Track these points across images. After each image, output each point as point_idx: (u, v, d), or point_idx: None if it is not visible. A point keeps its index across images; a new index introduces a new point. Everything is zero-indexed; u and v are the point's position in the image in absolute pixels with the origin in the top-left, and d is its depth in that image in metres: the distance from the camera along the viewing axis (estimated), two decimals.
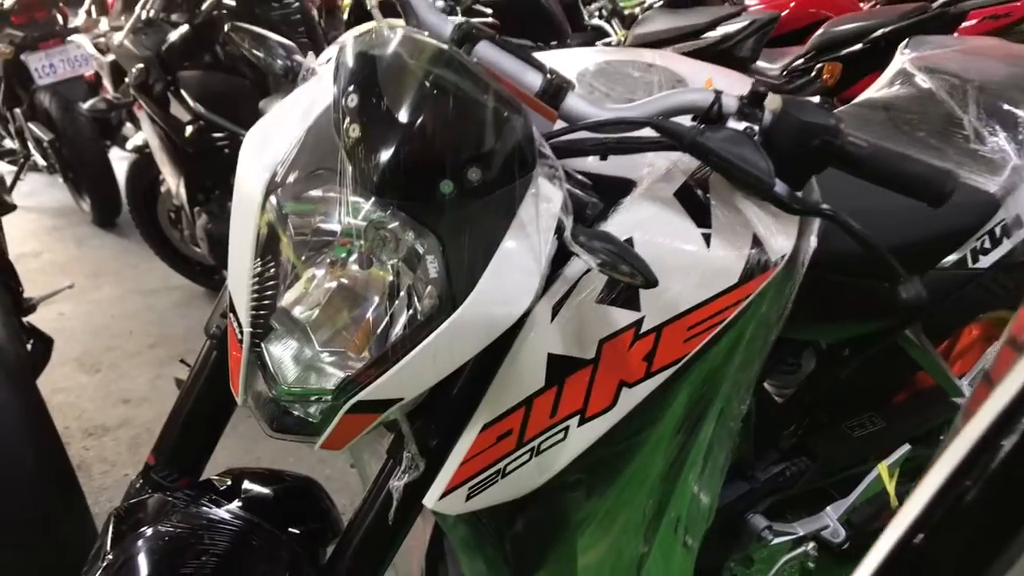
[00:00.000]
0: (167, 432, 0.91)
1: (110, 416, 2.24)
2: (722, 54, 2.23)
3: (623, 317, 0.77)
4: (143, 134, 2.73)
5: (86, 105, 3.09)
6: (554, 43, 2.52)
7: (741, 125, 0.76)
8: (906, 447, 1.33)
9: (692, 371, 0.84)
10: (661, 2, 3.10)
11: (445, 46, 0.66)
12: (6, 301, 1.54)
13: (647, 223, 0.76)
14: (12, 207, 1.64)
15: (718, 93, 0.76)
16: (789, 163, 0.75)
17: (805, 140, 0.74)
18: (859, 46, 2.52)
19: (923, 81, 1.31)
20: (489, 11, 2.63)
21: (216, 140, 2.39)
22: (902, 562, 0.40)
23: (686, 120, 0.77)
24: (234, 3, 2.24)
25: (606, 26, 3.16)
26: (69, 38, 3.58)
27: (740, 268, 0.78)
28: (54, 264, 3.44)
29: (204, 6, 2.27)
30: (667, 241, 0.77)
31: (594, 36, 3.18)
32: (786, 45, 3.02)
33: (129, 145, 2.92)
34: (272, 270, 0.70)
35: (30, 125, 3.78)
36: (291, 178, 0.68)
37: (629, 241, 0.75)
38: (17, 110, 3.87)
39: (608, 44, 2.81)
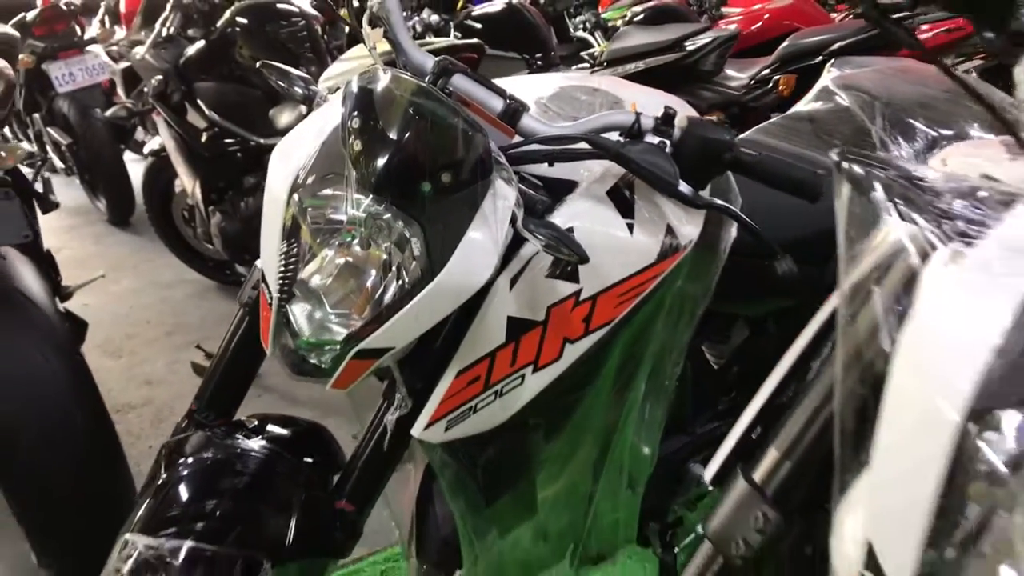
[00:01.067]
0: (207, 382, 1.13)
1: (134, 396, 2.46)
2: (689, 67, 2.45)
3: (566, 288, 0.99)
4: (160, 139, 2.96)
5: (108, 112, 3.32)
6: (539, 55, 2.74)
7: (657, 139, 0.98)
8: None
9: (623, 333, 1.06)
10: (640, 16, 3.33)
11: (423, 83, 0.88)
12: (48, 287, 1.76)
13: (584, 215, 0.99)
14: (56, 205, 1.86)
15: (638, 115, 0.98)
16: (693, 168, 0.98)
17: (706, 151, 0.97)
18: (818, 59, 2.75)
19: (841, 98, 1.53)
20: (479, 25, 2.86)
21: (229, 145, 2.61)
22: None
23: (615, 134, 0.99)
24: (246, 22, 2.46)
25: (590, 38, 3.38)
26: (87, 48, 3.80)
27: (656, 250, 1.00)
28: (74, 259, 3.66)
29: (219, 23, 2.49)
30: (600, 228, 0.99)
31: (579, 47, 3.40)
32: (760, 55, 3.25)
33: (146, 149, 3.15)
34: (295, 250, 0.92)
35: (48, 129, 4.00)
36: (309, 181, 0.90)
37: (570, 229, 0.97)
38: (36, 115, 4.09)
39: (591, 55, 3.02)
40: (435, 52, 1.91)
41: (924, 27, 3.24)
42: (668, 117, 0.98)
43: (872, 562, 0.50)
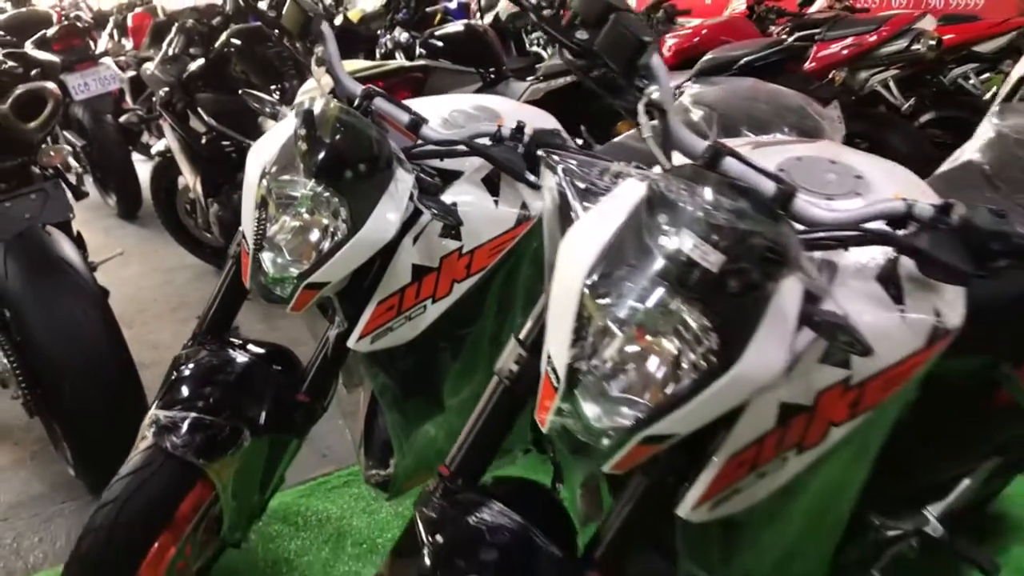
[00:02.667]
0: (206, 312, 1.59)
1: (144, 357, 2.91)
2: (607, 81, 2.91)
3: (452, 244, 1.44)
4: (166, 142, 3.41)
5: (122, 119, 3.78)
6: (492, 69, 3.19)
7: (513, 143, 1.44)
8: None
9: (494, 283, 1.52)
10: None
11: (346, 106, 1.34)
12: (82, 258, 2.21)
13: (464, 194, 1.44)
14: (86, 194, 2.32)
15: (500, 127, 1.44)
16: (535, 161, 1.43)
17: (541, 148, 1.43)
18: (731, 72, 3.21)
19: (695, 109, 1.98)
20: (441, 44, 3.31)
21: (225, 147, 3.07)
22: None
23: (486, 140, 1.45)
24: (240, 43, 2.92)
25: (543, 52, 3.83)
26: (99, 60, 4.26)
27: (514, 219, 1.46)
28: (88, 247, 4.12)
29: (216, 45, 2.95)
30: (475, 203, 1.45)
31: (534, 60, 3.86)
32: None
33: (153, 150, 3.61)
34: (264, 217, 1.37)
35: (65, 133, 4.46)
36: (273, 170, 1.36)
37: (454, 204, 1.43)
38: None
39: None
40: (386, 73, 2.38)
41: (831, 43, 3.70)
42: (520, 128, 1.43)
43: (550, 363, 0.94)
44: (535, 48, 3.95)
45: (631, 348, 0.90)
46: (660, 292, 0.88)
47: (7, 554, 1.96)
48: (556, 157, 1.04)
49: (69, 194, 2.10)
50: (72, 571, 1.41)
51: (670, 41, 4.26)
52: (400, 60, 3.19)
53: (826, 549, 1.29)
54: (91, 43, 4.36)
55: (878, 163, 1.26)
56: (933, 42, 3.73)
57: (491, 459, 1.24)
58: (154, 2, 4.59)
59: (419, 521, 1.11)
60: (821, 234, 0.99)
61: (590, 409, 0.93)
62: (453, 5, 5.40)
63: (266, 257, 1.38)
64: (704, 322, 0.87)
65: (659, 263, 0.88)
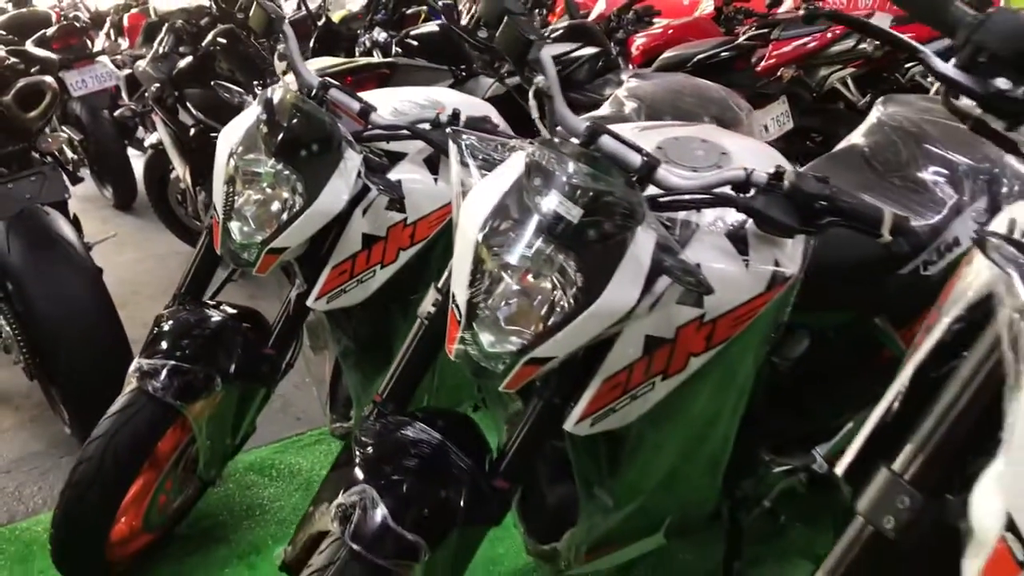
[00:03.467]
0: (185, 276, 1.82)
1: (136, 334, 3.09)
2: (566, 77, 3.12)
3: (397, 216, 1.67)
4: (158, 135, 3.63)
5: (116, 113, 4.00)
6: (463, 66, 3.40)
7: (449, 129, 1.66)
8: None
9: (435, 251, 1.74)
10: (558, 33, 4.01)
11: (302, 95, 1.56)
12: (78, 237, 2.42)
13: (407, 172, 1.66)
14: (81, 179, 2.54)
15: (437, 114, 1.66)
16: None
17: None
18: (687, 69, 3.43)
19: (628, 102, 2.20)
20: (416, 43, 3.53)
21: (212, 139, 3.27)
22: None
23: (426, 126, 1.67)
24: (224, 42, 3.14)
25: None
26: (96, 59, 4.48)
27: (450, 196, 1.67)
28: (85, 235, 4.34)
29: (203, 44, 3.17)
30: (416, 179, 1.66)
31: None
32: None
33: (146, 143, 3.83)
34: (232, 191, 1.59)
35: (63, 127, 4.68)
36: (240, 151, 1.58)
37: (398, 180, 1.65)
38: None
39: None
40: (354, 69, 2.60)
41: (785, 42, 3.92)
42: (455, 115, 1.65)
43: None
44: None
45: (517, 288, 1.11)
46: (537, 241, 1.09)
47: (10, 500, 2.18)
48: (464, 136, 1.27)
49: (65, 177, 2.32)
50: (66, 497, 1.63)
51: (639, 40, 4.48)
52: (376, 58, 3.41)
53: (711, 477, 1.51)
54: (88, 42, 4.58)
55: (747, 143, 1.49)
56: (879, 42, 3.96)
57: (416, 386, 1.46)
58: (148, 3, 4.80)
59: (354, 439, 1.33)
60: (677, 197, 1.21)
61: (486, 338, 1.14)
62: (439, 3, 5.63)
63: (234, 226, 1.60)
64: (572, 265, 1.08)
65: (536, 218, 1.10)
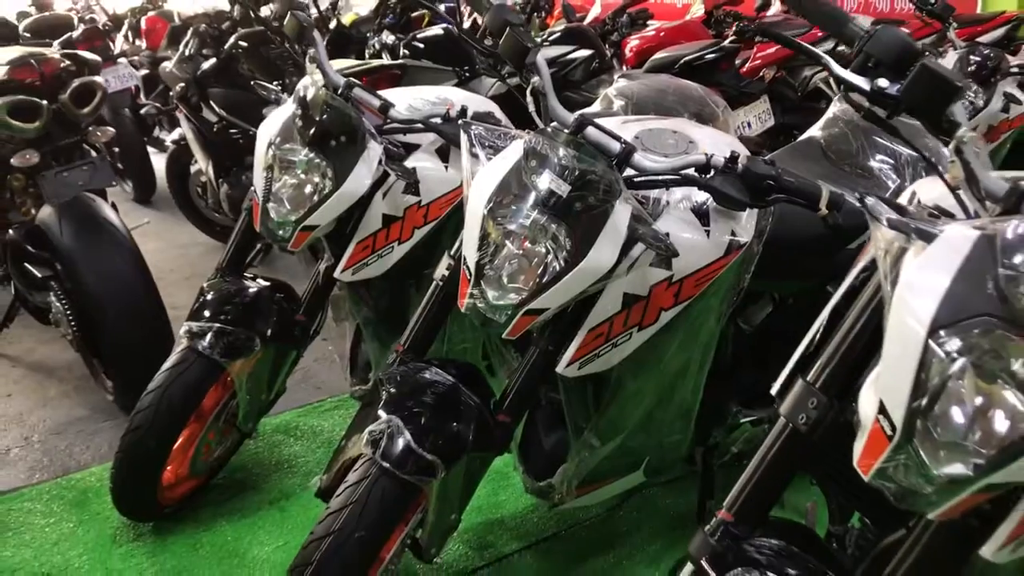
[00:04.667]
0: (227, 251, 2.07)
1: None
2: (562, 78, 3.38)
3: (413, 199, 1.90)
4: (180, 131, 3.88)
5: (142, 111, 4.25)
6: (466, 67, 3.65)
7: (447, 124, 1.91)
8: None
9: (447, 231, 1.99)
10: (556, 36, 4.26)
11: (332, 93, 1.80)
12: (119, 219, 2.66)
13: (422, 161, 1.91)
14: (121, 169, 2.78)
15: (448, 110, 1.90)
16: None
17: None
18: (674, 70, 3.67)
19: (617, 99, 2.44)
20: (422, 46, 3.77)
21: (233, 135, 3.54)
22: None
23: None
24: (246, 44, 3.39)
25: None
26: (118, 60, 4.73)
27: (459, 181, 1.93)
28: None
29: (226, 46, 3.42)
30: (430, 167, 1.91)
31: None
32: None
33: (169, 139, 4.08)
34: (271, 176, 1.84)
35: None
36: (278, 140, 1.83)
37: (413, 168, 1.90)
38: None
39: None
40: (369, 70, 2.85)
41: (769, 45, 4.16)
42: (463, 111, 1.90)
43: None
44: None
45: (517, 251, 1.36)
46: (534, 213, 1.34)
47: (63, 457, 2.43)
48: (473, 127, 1.52)
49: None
50: (126, 441, 1.88)
51: (632, 43, 4.73)
52: (386, 59, 3.65)
53: (684, 422, 1.76)
54: (111, 44, 4.83)
55: (712, 134, 1.74)
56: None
57: (432, 338, 1.72)
58: (168, 7, 5.05)
59: (379, 381, 1.59)
60: (650, 178, 1.46)
61: (491, 294, 1.38)
62: (442, 8, 5.88)
63: (271, 207, 1.85)
64: (562, 232, 1.33)
65: (532, 194, 1.36)
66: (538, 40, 4.40)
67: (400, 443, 1.44)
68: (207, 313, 1.93)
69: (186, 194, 4.17)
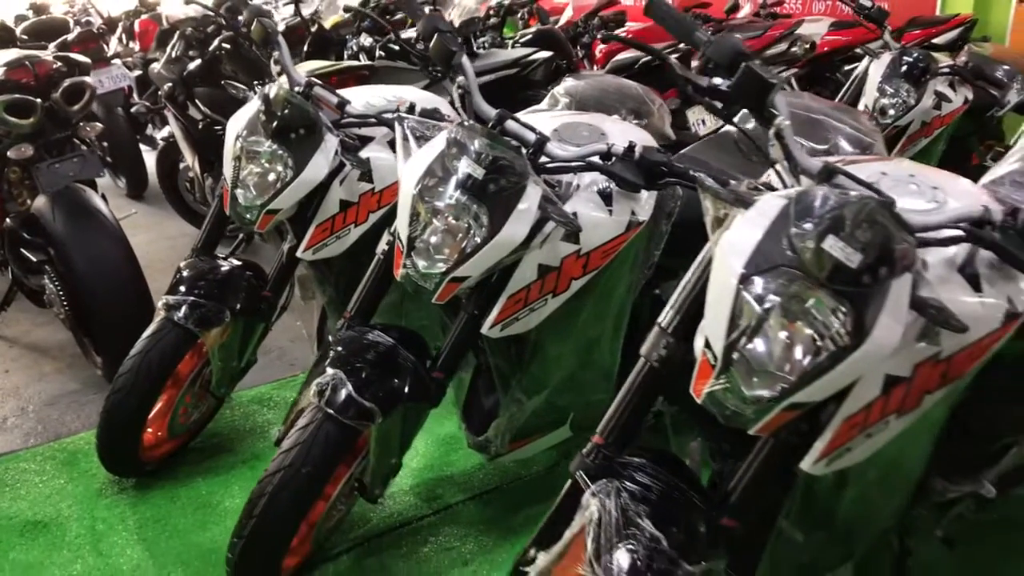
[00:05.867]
0: (200, 235, 2.30)
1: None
2: (523, 78, 3.61)
3: (367, 186, 2.13)
4: (169, 129, 4.11)
5: (132, 109, 4.48)
6: (438, 68, 3.87)
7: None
8: None
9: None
10: (527, 38, 4.49)
11: (292, 92, 2.03)
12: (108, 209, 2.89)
13: (375, 152, 2.14)
14: (108, 162, 3.00)
15: (399, 107, 2.13)
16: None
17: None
18: (628, 72, 3.90)
19: (562, 98, 2.67)
20: (398, 48, 4.00)
21: (218, 131, 3.75)
22: None
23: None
24: (229, 47, 3.61)
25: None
26: (112, 61, 4.95)
27: None
28: None
29: (210, 48, 3.65)
30: (382, 158, 2.14)
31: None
32: None
33: (159, 136, 4.31)
34: (239, 165, 2.06)
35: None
36: (244, 134, 2.06)
37: (367, 158, 2.12)
38: None
39: None
40: (339, 71, 3.07)
41: None
42: (411, 107, 2.12)
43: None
44: (481, 51, 4.65)
45: (442, 227, 1.60)
46: (456, 193, 1.57)
47: (55, 425, 2.66)
48: (408, 120, 1.74)
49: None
50: (110, 402, 2.11)
51: (603, 44, 4.96)
52: (364, 60, 3.89)
53: (606, 382, 2.00)
54: (105, 46, 5.05)
55: (624, 127, 1.98)
56: (808, 45, 4.44)
57: (376, 305, 1.95)
58: (159, 11, 5.27)
59: (328, 343, 1.82)
60: (561, 164, 1.69)
61: (420, 263, 1.62)
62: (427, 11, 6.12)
63: (239, 193, 2.07)
64: (481, 211, 1.57)
65: (454, 177, 1.58)
66: (509, 43, 4.65)
67: (343, 393, 1.67)
68: (183, 288, 2.15)
69: (175, 189, 4.40)
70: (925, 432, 1.38)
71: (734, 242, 1.15)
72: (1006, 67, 3.76)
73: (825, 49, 4.72)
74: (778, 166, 1.27)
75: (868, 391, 1.17)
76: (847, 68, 4.99)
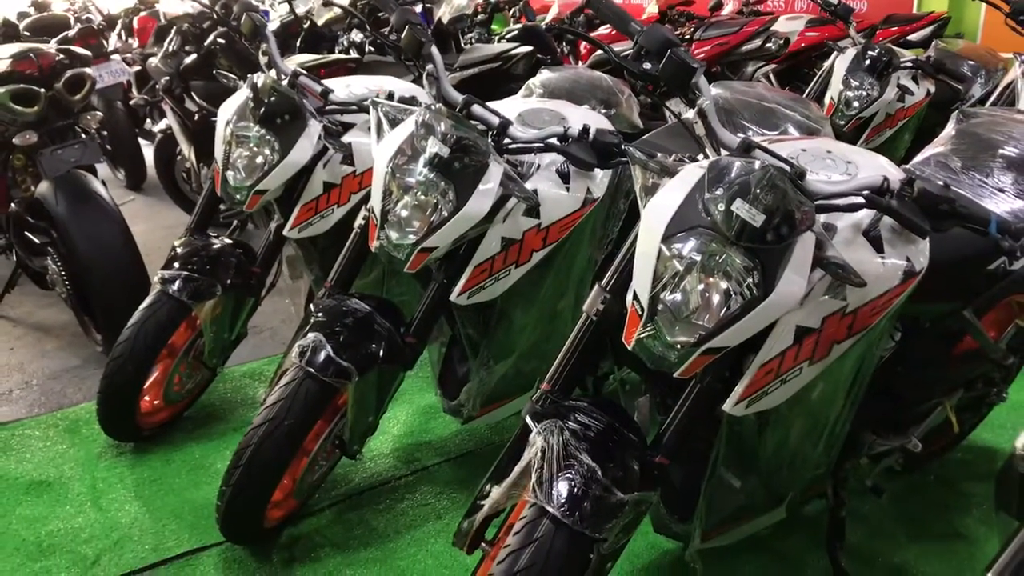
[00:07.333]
0: (194, 215, 2.46)
1: None
2: (506, 71, 3.76)
3: (349, 168, 2.28)
4: (167, 121, 4.27)
5: (131, 102, 4.63)
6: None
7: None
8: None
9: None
10: (513, 34, 4.64)
11: (278, 81, 2.19)
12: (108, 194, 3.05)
13: (357, 137, 2.29)
14: (108, 149, 3.16)
15: (377, 95, 2.29)
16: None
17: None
18: (606, 67, 4.05)
19: (536, 89, 2.82)
20: (386, 42, 4.15)
21: (213, 123, 3.90)
22: None
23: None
24: (224, 42, 3.77)
25: None
26: (111, 56, 5.10)
27: None
28: None
29: (206, 43, 3.80)
30: (364, 143, 2.29)
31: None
32: None
33: (156, 128, 4.46)
34: (229, 149, 2.22)
35: None
36: (234, 119, 2.21)
37: (349, 143, 2.27)
38: None
39: None
40: (327, 63, 3.24)
41: (705, 43, 4.55)
42: (390, 95, 2.28)
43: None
44: (467, 46, 4.80)
45: (413, 202, 1.76)
46: (424, 170, 1.73)
47: (58, 397, 2.82)
48: (381, 105, 1.90)
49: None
50: (110, 368, 2.27)
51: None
52: (353, 54, 4.05)
53: None
54: (104, 42, 5.20)
55: (584, 113, 2.14)
56: (782, 41, 4.60)
57: (354, 276, 2.11)
58: (157, 7, 5.41)
59: (310, 310, 1.98)
60: (523, 145, 1.85)
61: (393, 235, 1.78)
62: (418, 9, 6.27)
63: (229, 175, 2.23)
64: (447, 187, 1.73)
65: (423, 156, 1.74)
66: (495, 38, 4.80)
67: (323, 354, 1.83)
68: (177, 264, 2.31)
69: (172, 179, 4.55)
70: (841, 386, 1.53)
71: (658, 206, 1.31)
72: (971, 62, 3.93)
73: (802, 45, 4.88)
74: (705, 143, 1.43)
75: (782, 341, 1.32)
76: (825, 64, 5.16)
